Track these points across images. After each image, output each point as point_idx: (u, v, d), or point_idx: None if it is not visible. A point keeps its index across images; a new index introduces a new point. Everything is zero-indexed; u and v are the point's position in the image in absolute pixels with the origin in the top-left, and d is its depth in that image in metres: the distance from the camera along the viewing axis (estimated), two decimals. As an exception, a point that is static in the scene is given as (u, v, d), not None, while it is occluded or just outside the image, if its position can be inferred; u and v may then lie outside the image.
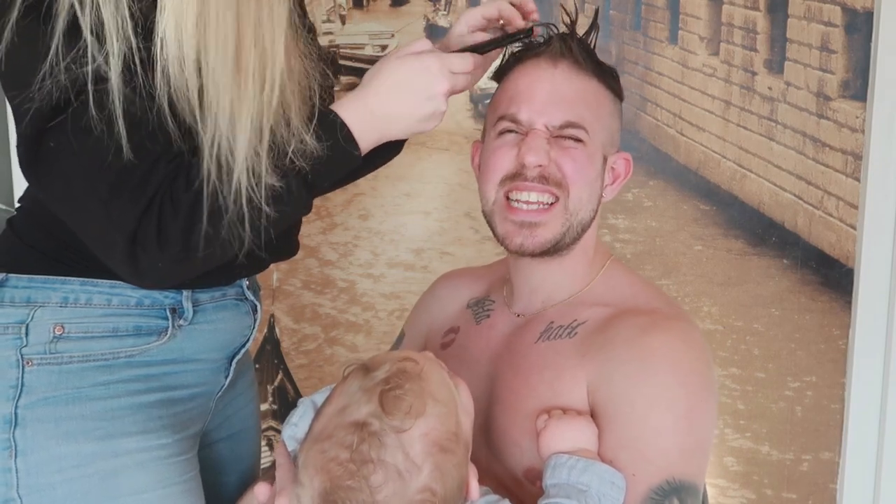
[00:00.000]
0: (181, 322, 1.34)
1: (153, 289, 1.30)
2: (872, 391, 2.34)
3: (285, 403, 2.48)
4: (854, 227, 2.33)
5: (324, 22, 2.41)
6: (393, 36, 2.41)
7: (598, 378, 1.27)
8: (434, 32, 2.38)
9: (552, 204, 1.34)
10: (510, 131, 1.37)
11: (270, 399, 2.50)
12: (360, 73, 2.12)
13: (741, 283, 2.39)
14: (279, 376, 2.49)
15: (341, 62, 2.37)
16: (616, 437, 1.24)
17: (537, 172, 1.33)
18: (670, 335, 1.29)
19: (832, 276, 2.36)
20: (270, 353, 2.49)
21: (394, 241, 2.45)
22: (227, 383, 1.44)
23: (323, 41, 2.30)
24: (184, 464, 1.34)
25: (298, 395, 2.47)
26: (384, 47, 2.41)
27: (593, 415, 1.26)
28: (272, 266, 2.46)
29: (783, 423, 2.40)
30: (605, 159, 1.39)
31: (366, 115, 1.26)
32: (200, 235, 1.18)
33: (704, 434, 1.28)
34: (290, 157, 1.20)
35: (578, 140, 1.35)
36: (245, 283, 1.44)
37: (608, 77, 1.41)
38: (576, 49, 1.38)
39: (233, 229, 1.18)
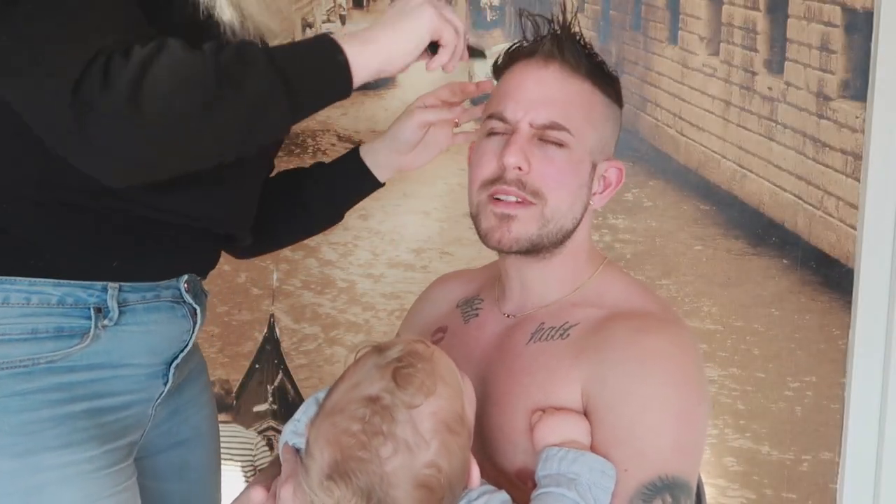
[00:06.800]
0: (105, 322, 1.25)
1: (106, 179, 1.15)
2: (872, 391, 2.34)
3: (285, 403, 2.48)
4: (854, 227, 2.33)
5: (324, 22, 2.41)
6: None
7: (592, 379, 1.27)
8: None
9: (531, 203, 1.34)
10: (496, 133, 1.37)
11: (270, 399, 2.50)
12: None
13: (741, 283, 2.39)
14: (279, 376, 2.49)
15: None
16: (610, 435, 1.24)
17: (515, 175, 1.33)
18: (663, 337, 1.30)
19: (832, 276, 2.36)
20: (270, 353, 2.49)
21: (394, 241, 2.45)
22: (166, 390, 1.35)
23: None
24: (115, 475, 1.26)
25: (298, 395, 2.47)
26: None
27: (587, 415, 1.27)
28: (272, 266, 2.47)
29: (783, 423, 2.40)
30: (594, 167, 1.37)
31: (357, 44, 1.21)
32: (152, 87, 1.07)
33: (697, 433, 1.29)
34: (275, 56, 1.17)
35: (562, 144, 1.34)
36: (183, 285, 1.35)
37: (605, 82, 1.39)
38: (569, 50, 1.36)
39: (184, 94, 1.10)
